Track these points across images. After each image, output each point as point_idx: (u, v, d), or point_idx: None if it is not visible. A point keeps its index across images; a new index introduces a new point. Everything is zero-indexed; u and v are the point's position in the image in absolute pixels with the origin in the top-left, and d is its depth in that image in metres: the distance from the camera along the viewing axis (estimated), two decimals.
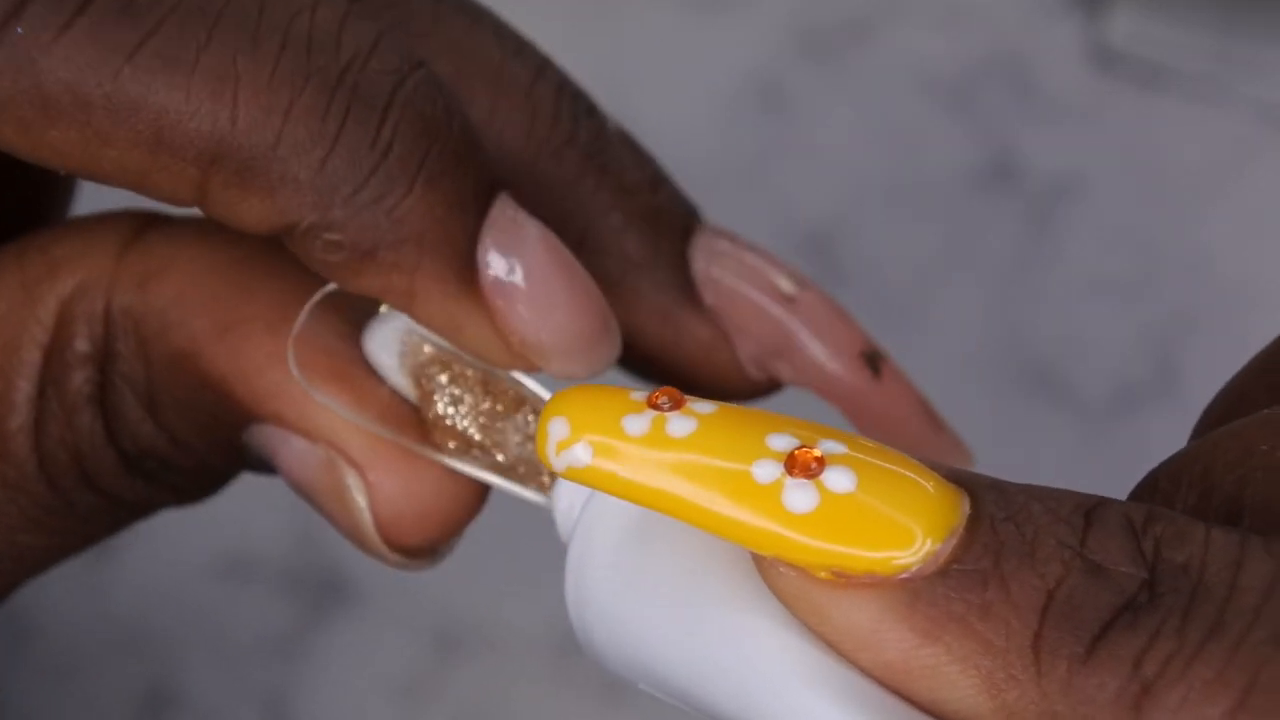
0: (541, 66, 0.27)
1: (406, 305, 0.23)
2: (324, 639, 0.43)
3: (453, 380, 0.25)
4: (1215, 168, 0.49)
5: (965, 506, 0.18)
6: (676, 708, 0.20)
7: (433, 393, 0.25)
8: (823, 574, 0.18)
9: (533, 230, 0.24)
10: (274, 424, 0.25)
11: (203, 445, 0.25)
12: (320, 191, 0.22)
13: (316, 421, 0.24)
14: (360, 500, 0.25)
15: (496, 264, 0.23)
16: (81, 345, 0.24)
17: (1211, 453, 0.20)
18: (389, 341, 0.25)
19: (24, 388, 0.24)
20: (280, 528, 0.44)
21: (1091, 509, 0.18)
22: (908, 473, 0.18)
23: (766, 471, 0.18)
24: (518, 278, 0.23)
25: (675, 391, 0.20)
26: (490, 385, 0.25)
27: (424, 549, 0.25)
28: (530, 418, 0.25)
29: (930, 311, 0.47)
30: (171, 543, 0.44)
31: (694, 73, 0.50)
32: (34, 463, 0.24)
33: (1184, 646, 0.17)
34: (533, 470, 0.25)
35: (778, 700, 0.18)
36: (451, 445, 0.25)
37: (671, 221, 0.27)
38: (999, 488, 0.19)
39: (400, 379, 0.25)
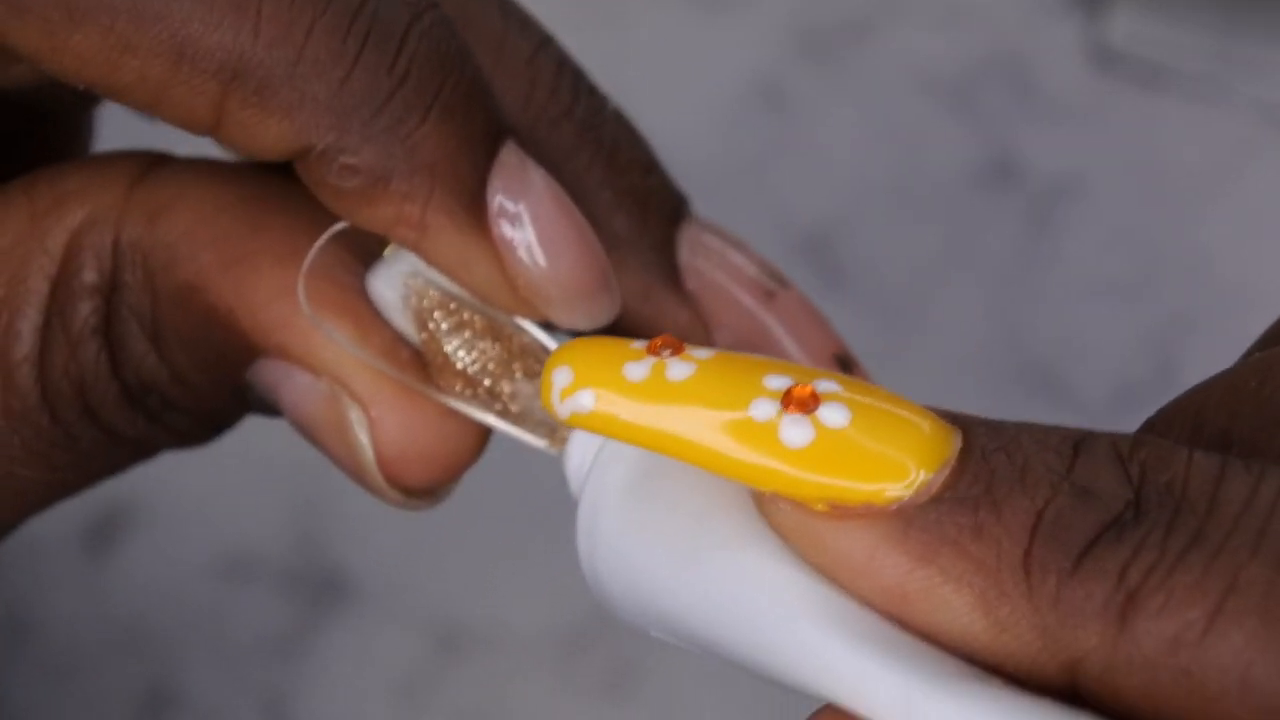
0: (544, 41, 0.27)
1: (417, 239, 0.24)
2: (324, 639, 0.43)
3: (459, 325, 0.25)
4: (1215, 168, 0.49)
5: (957, 440, 0.19)
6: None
7: (438, 335, 0.25)
8: (820, 507, 0.19)
9: (538, 178, 0.24)
10: (278, 357, 0.25)
11: (205, 382, 0.25)
12: (338, 113, 0.23)
13: (321, 355, 0.25)
14: (362, 436, 0.25)
15: (505, 205, 0.24)
16: (89, 277, 0.25)
17: (1203, 395, 0.20)
18: (393, 283, 0.25)
19: (30, 317, 0.25)
20: (280, 528, 0.44)
21: (1080, 440, 0.19)
22: (901, 410, 0.19)
23: (763, 409, 0.19)
24: (524, 221, 0.24)
25: (674, 339, 0.20)
26: (496, 332, 0.25)
27: (424, 489, 0.25)
28: (536, 366, 0.25)
29: (930, 312, 0.47)
30: (171, 542, 0.44)
31: (694, 73, 0.50)
32: (37, 394, 0.25)
33: (1166, 556, 0.17)
34: (538, 419, 0.25)
35: (780, 632, 0.19)
36: (458, 388, 0.25)
37: (661, 205, 0.27)
38: (990, 423, 0.19)
39: (403, 321, 0.25)
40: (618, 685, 0.43)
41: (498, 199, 0.24)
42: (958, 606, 0.18)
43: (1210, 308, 0.47)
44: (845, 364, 0.27)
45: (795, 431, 0.19)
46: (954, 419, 0.19)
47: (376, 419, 0.25)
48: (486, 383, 0.25)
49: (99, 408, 0.25)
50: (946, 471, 0.19)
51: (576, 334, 0.25)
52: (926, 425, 0.19)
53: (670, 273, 0.27)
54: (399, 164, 0.23)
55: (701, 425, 0.19)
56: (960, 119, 0.50)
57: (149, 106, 0.23)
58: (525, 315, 0.25)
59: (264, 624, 0.44)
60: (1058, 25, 0.51)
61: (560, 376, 0.20)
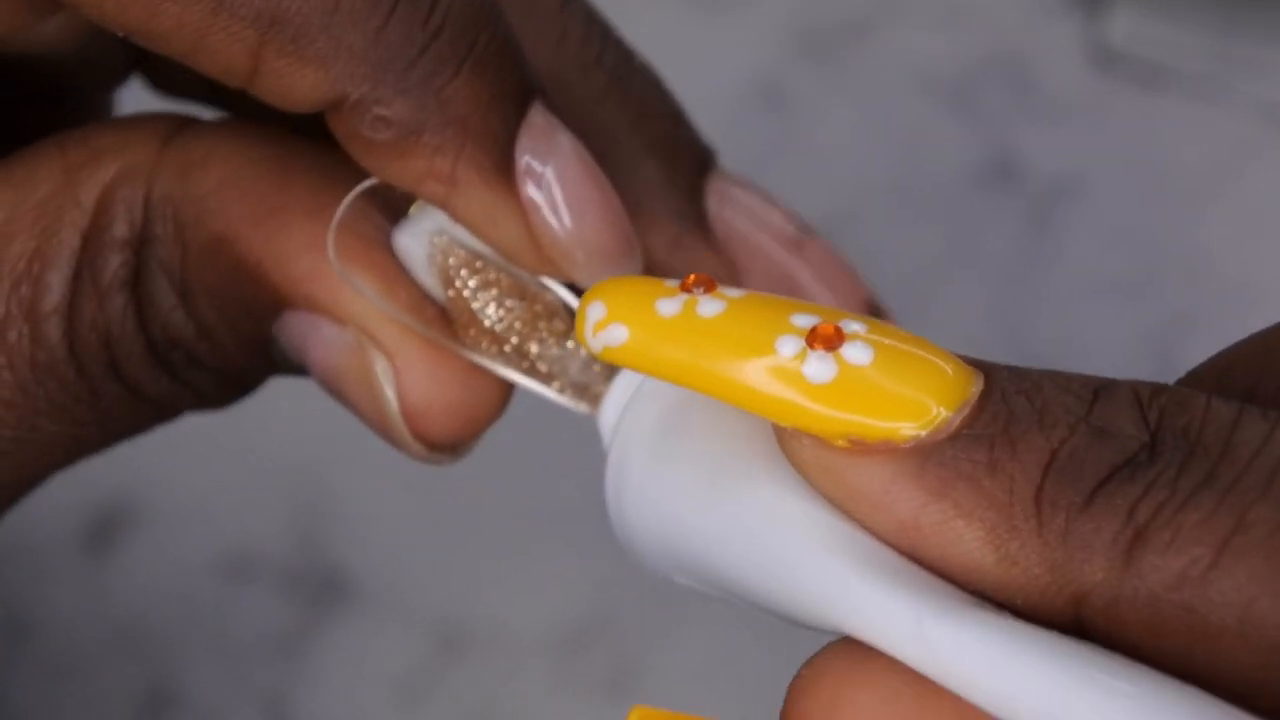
0: None
1: (446, 194, 0.24)
2: (324, 639, 0.43)
3: (486, 283, 0.25)
4: (1215, 168, 0.49)
5: (979, 382, 0.19)
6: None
7: (465, 292, 0.25)
8: (840, 443, 0.19)
9: (566, 139, 0.24)
10: (306, 308, 0.25)
11: (232, 338, 0.26)
12: (373, 63, 0.23)
13: (349, 306, 0.25)
14: (388, 387, 0.25)
15: (532, 165, 0.24)
16: (120, 230, 0.25)
17: (1232, 355, 0.21)
18: (419, 240, 0.25)
19: (61, 269, 0.25)
20: (280, 528, 0.44)
21: (1101, 386, 0.19)
22: (923, 352, 0.19)
23: (789, 346, 0.19)
24: (551, 181, 0.24)
25: (707, 277, 0.21)
26: (522, 291, 0.25)
27: (447, 443, 0.26)
28: (562, 326, 0.26)
29: (931, 311, 0.47)
30: (172, 542, 0.44)
31: (694, 73, 0.50)
32: (65, 346, 0.25)
33: (1176, 495, 0.18)
34: (570, 380, 0.25)
35: (796, 564, 0.19)
36: (484, 345, 0.25)
37: (690, 154, 0.28)
38: (1014, 368, 0.20)
39: (429, 278, 0.25)
40: (618, 685, 0.43)
41: (525, 158, 0.24)
42: (969, 541, 0.18)
43: (1210, 307, 0.47)
44: (875, 311, 0.27)
45: (819, 368, 0.19)
46: (977, 364, 0.20)
47: (402, 369, 0.25)
48: (514, 340, 0.25)
49: (124, 362, 0.25)
50: (966, 411, 0.19)
51: None
52: (949, 367, 0.19)
53: (699, 221, 0.27)
54: (431, 117, 0.23)
55: (728, 359, 0.20)
56: (960, 119, 0.50)
57: (186, 54, 0.23)
58: (548, 275, 0.25)
59: (264, 624, 0.44)
60: (1058, 25, 0.51)
61: (594, 311, 0.21)
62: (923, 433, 0.19)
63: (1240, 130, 0.49)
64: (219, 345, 0.26)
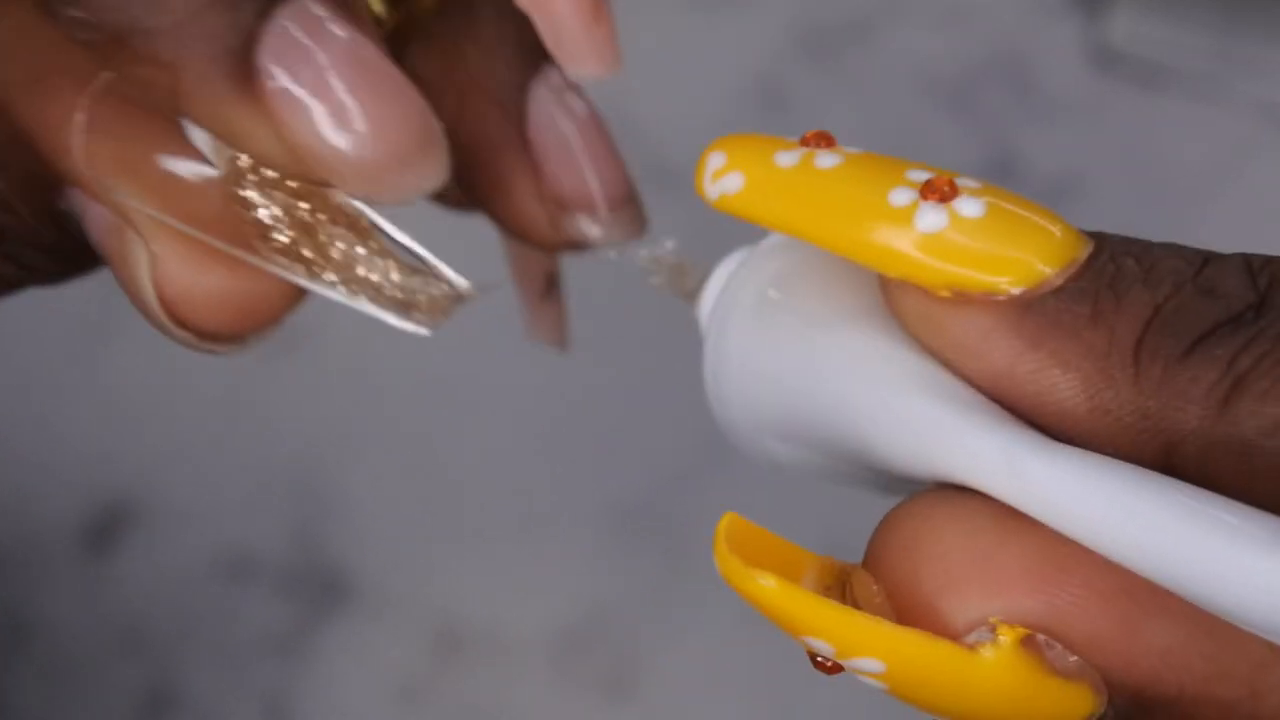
0: None
1: (177, 105, 0.22)
2: (324, 639, 0.43)
3: (265, 184, 0.23)
4: (1215, 167, 0.49)
5: (1088, 246, 0.19)
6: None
7: (246, 192, 0.23)
8: (943, 293, 0.19)
9: (336, 30, 0.22)
10: (71, 184, 0.23)
11: (28, 210, 0.24)
12: None
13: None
14: (143, 271, 0.23)
15: (279, 71, 0.21)
16: None
17: None
18: (205, 136, 0.23)
19: None
20: (279, 527, 0.44)
21: (1211, 254, 0.19)
22: (1035, 216, 0.19)
23: (902, 197, 0.20)
24: (307, 85, 0.22)
25: (827, 134, 0.21)
26: (310, 193, 0.23)
27: (218, 334, 0.24)
28: (353, 235, 0.24)
29: None
30: (171, 542, 0.44)
31: (695, 72, 0.50)
32: None
33: (1278, 347, 0.18)
34: (356, 283, 0.24)
35: (892, 406, 0.20)
36: (264, 244, 0.23)
37: None
38: (1126, 236, 0.20)
39: (217, 173, 0.23)
40: (618, 685, 0.43)
41: (272, 60, 0.21)
42: (1064, 390, 0.18)
43: None
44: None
45: (930, 218, 0.19)
46: (1090, 233, 0.20)
47: (159, 255, 0.23)
48: (294, 241, 0.23)
49: None
50: (1071, 271, 0.19)
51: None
52: (1057, 229, 0.19)
53: None
54: (136, 21, 0.21)
55: (841, 208, 0.20)
56: (960, 119, 0.50)
57: None
58: (328, 185, 0.23)
59: (264, 624, 0.44)
60: (1058, 25, 0.51)
61: (714, 159, 0.21)
62: (1024, 288, 0.19)
63: (1240, 130, 0.49)
64: (20, 217, 0.24)
